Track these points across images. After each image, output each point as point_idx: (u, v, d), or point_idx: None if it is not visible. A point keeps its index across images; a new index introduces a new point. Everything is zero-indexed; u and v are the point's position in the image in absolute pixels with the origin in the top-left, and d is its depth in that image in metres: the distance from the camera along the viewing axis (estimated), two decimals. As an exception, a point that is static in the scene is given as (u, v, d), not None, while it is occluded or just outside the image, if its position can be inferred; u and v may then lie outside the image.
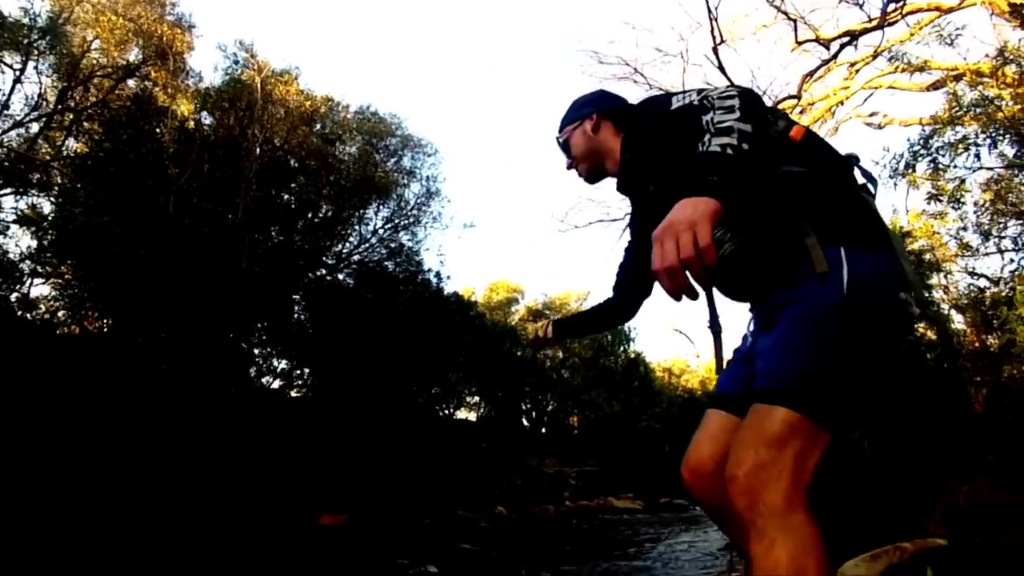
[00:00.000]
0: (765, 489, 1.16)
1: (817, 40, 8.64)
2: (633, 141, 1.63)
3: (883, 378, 1.35)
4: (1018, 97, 7.23)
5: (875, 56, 9.25)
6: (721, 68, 7.70)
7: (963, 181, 9.66)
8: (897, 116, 10.39)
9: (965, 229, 10.32)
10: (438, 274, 12.01)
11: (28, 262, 10.73)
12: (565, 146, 1.85)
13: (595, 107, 1.81)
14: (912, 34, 8.23)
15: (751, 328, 1.54)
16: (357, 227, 10.69)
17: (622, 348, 15.59)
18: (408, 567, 4.30)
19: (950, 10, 7.75)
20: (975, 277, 9.76)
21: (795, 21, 8.01)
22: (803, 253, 1.30)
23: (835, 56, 9.30)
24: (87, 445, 6.25)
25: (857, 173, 1.47)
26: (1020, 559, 2.39)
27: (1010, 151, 8.93)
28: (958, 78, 8.30)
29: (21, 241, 10.88)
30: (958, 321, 10.19)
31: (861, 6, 8.05)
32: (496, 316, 16.33)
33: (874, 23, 7.87)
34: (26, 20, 11.08)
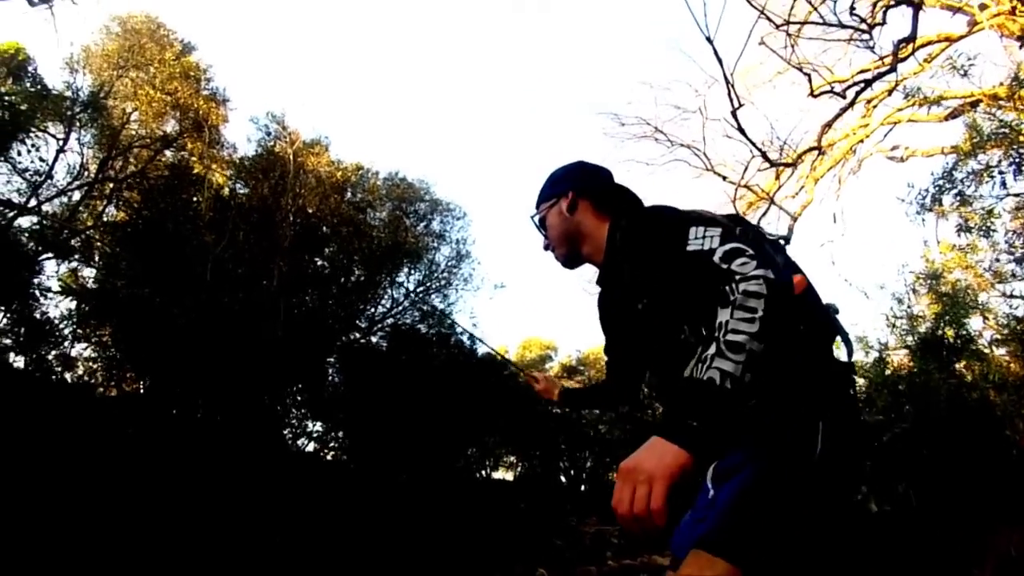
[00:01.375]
0: None
1: (832, 91, 8.66)
2: (634, 256, 1.46)
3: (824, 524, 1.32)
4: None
5: (890, 93, 9.23)
6: (741, 130, 7.72)
7: (991, 211, 9.49)
8: (919, 147, 10.31)
9: (998, 260, 10.08)
10: (471, 336, 12.07)
11: (68, 323, 10.98)
12: (541, 225, 1.69)
13: (572, 184, 1.65)
14: (923, 66, 8.22)
15: (709, 477, 1.36)
16: (389, 290, 10.85)
17: None
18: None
19: (960, 38, 7.72)
20: (1013, 307, 9.46)
21: (809, 75, 8.04)
22: (771, 423, 1.25)
23: (852, 103, 9.29)
24: (123, 505, 6.24)
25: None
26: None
27: None
28: (975, 105, 8.23)
29: (61, 304, 11.14)
30: (1001, 353, 9.88)
31: (872, 48, 8.07)
32: (531, 378, 16.06)
33: (887, 64, 7.87)
34: (69, 93, 11.57)
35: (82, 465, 7.11)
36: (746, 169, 9.65)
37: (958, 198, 9.82)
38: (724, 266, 1.22)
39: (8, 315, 10.58)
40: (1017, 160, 8.62)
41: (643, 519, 1.09)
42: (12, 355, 10.49)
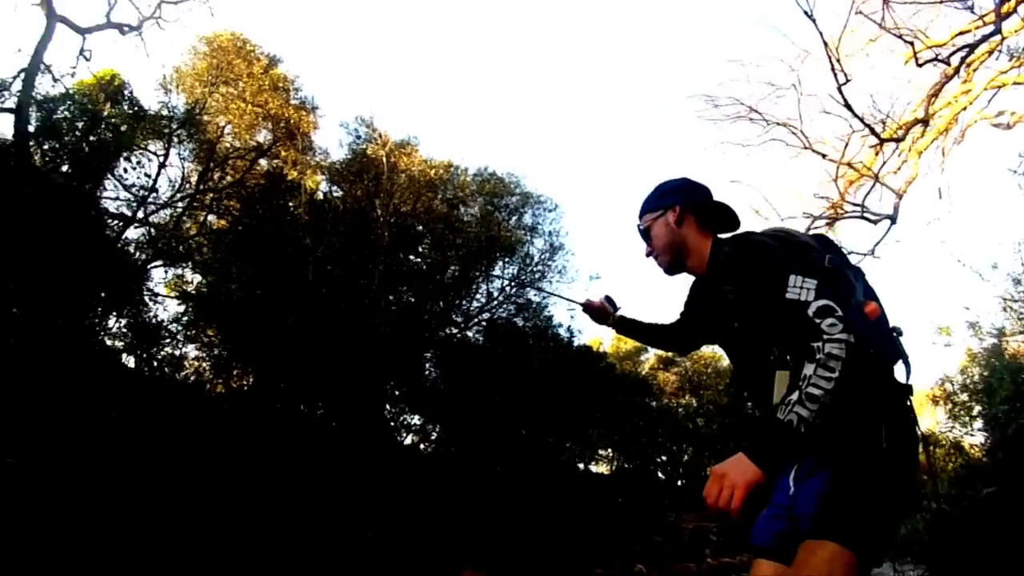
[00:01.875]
0: None
1: (937, 59, 8.17)
2: (735, 284, 1.67)
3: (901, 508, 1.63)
4: None
5: (991, 54, 8.62)
6: (848, 106, 7.41)
7: None
8: None
9: None
10: (569, 328, 12.11)
11: (176, 325, 11.63)
12: (646, 234, 1.84)
13: (679, 198, 1.80)
14: None
15: (791, 477, 1.63)
16: (484, 285, 11.03)
17: None
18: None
19: None
20: None
21: (911, 42, 7.60)
22: (843, 432, 1.49)
23: (957, 70, 8.75)
24: (231, 494, 6.54)
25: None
26: None
27: None
28: None
29: (170, 307, 11.79)
30: None
31: (971, 8, 7.56)
32: (626, 366, 15.98)
33: (987, 24, 7.34)
34: (165, 112, 12.24)
35: (194, 457, 7.51)
36: (847, 146, 9.25)
37: None
38: (816, 321, 1.46)
39: (120, 319, 11.30)
40: None
41: (724, 512, 1.42)
42: (125, 355, 11.16)
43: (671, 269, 1.86)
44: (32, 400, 5.52)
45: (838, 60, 7.38)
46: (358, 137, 11.15)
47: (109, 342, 10.95)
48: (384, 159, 9.95)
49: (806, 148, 9.12)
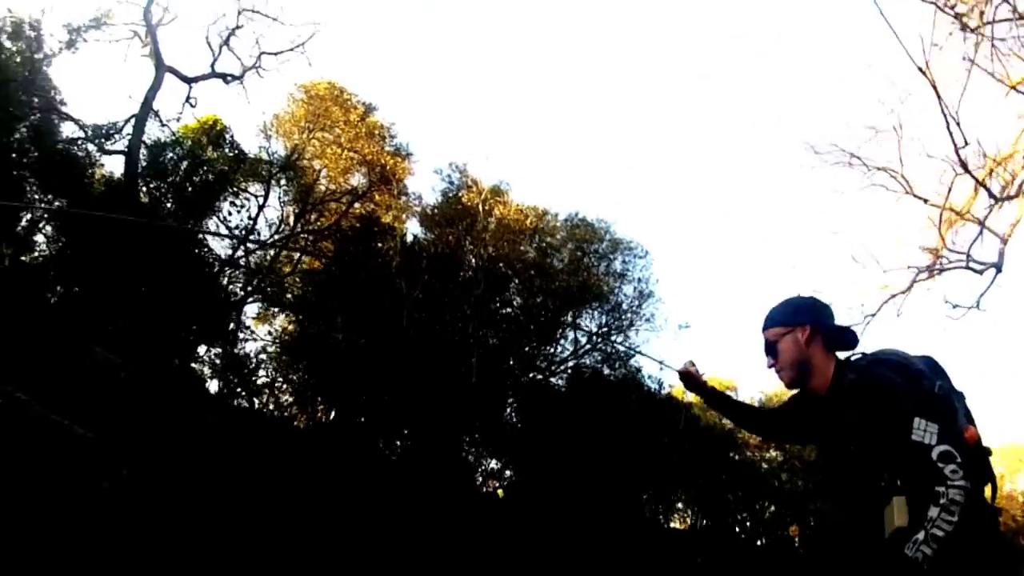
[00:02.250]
0: None
1: None
2: (859, 416, 1.72)
3: None
4: None
5: None
6: (967, 170, 7.23)
7: None
8: None
9: None
10: (659, 381, 12.03)
11: (264, 357, 12.15)
12: (772, 347, 1.87)
13: (811, 318, 1.84)
14: None
15: None
16: (572, 332, 11.05)
17: None
18: None
19: None
20: None
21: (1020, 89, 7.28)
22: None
23: None
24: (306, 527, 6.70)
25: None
26: None
27: None
28: None
29: (260, 341, 12.36)
30: None
31: None
32: (711, 417, 15.63)
33: None
34: (264, 156, 12.99)
35: (273, 486, 7.76)
36: (950, 191, 8.90)
37: None
38: (940, 466, 1.54)
39: (211, 351, 11.90)
40: None
41: None
42: (216, 385, 11.71)
43: (794, 384, 1.91)
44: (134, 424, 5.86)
45: (957, 123, 7.18)
46: (451, 183, 11.58)
47: (199, 368, 11.54)
48: (479, 206, 10.28)
49: (907, 193, 8.88)
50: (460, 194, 11.19)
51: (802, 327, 1.85)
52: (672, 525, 12.48)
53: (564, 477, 9.27)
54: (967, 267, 8.94)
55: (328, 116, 13.36)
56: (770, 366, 1.92)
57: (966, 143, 7.33)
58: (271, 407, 12.38)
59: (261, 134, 13.39)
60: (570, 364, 10.55)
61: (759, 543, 12.80)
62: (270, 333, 12.97)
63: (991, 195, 7.70)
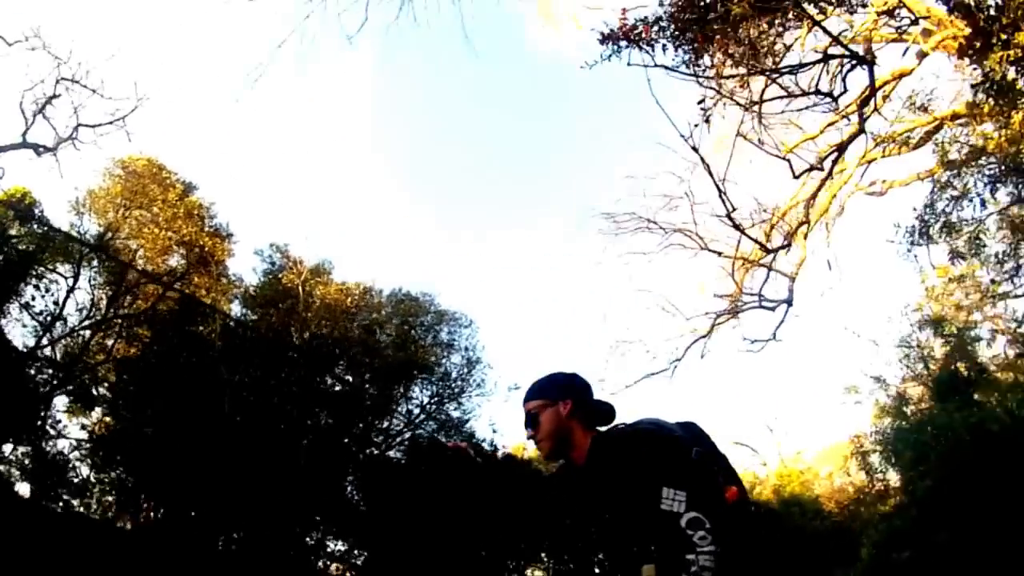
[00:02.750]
0: None
1: (812, 167, 9.11)
2: (612, 483, 1.80)
3: None
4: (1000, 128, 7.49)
5: (856, 136, 9.60)
6: (739, 228, 8.38)
7: (977, 236, 9.54)
8: (895, 178, 9.94)
9: (993, 281, 10.02)
10: (492, 443, 12.28)
11: (79, 455, 11.12)
12: (533, 419, 1.93)
13: (572, 395, 1.93)
14: (883, 103, 8.63)
15: None
16: (404, 405, 11.17)
17: None
18: None
19: (912, 71, 7.84)
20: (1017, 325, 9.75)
21: (788, 159, 8.56)
22: None
23: (830, 173, 9.60)
24: None
25: None
26: None
27: (1015, 190, 8.91)
28: (939, 128, 8.39)
29: (71, 436, 11.38)
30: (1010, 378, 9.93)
31: (836, 110, 8.59)
32: (552, 469, 15.88)
33: (854, 127, 8.36)
34: (76, 234, 12.13)
35: None
36: (739, 244, 10.06)
37: (945, 229, 10.12)
38: (688, 533, 1.62)
39: (19, 450, 10.71)
40: (992, 178, 9.09)
41: None
42: (23, 486, 10.57)
43: (552, 455, 1.96)
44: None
45: (724, 192, 8.33)
46: (272, 264, 11.36)
47: (5, 469, 10.30)
48: (300, 287, 10.27)
49: (703, 249, 10.09)
50: (281, 275, 11.10)
51: (564, 402, 1.91)
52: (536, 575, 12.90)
53: (415, 549, 9.29)
54: (760, 306, 10.27)
55: (146, 194, 12.72)
56: (530, 437, 1.95)
57: (734, 208, 8.51)
58: (92, 509, 11.32)
59: (73, 211, 12.46)
60: (406, 436, 10.70)
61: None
62: (84, 427, 11.92)
63: (764, 248, 9.03)
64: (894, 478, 10.89)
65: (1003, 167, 8.89)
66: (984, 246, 9.59)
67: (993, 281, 10.01)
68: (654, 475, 1.70)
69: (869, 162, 9.66)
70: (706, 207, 10.75)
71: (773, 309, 10.67)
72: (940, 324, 10.46)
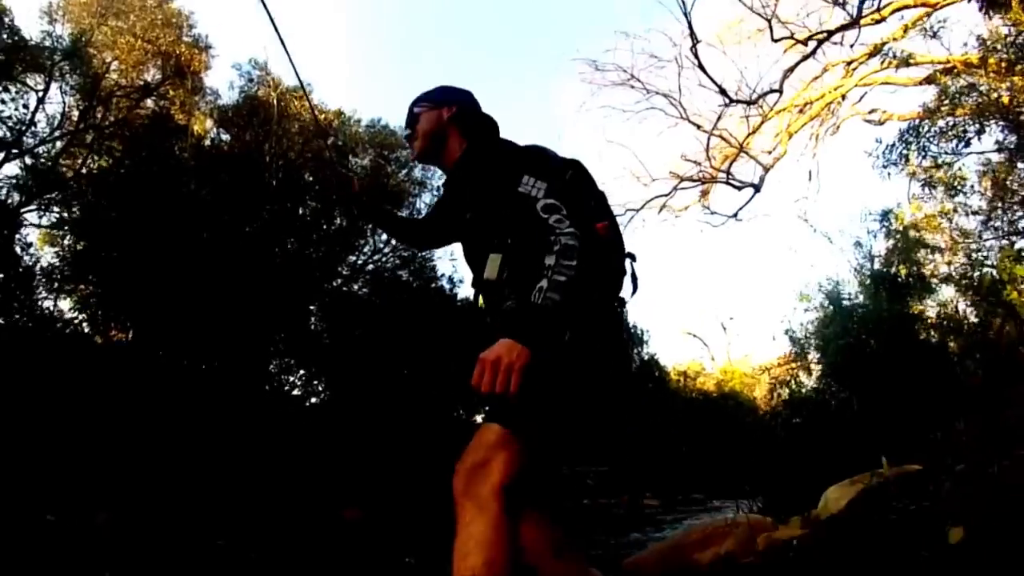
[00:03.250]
0: (476, 482, 1.50)
1: (792, 37, 8.80)
2: (476, 177, 1.81)
3: (602, 392, 1.71)
4: (1007, 85, 7.37)
5: (871, 56, 9.37)
6: (701, 67, 7.92)
7: (950, 165, 9.81)
8: (896, 111, 10.49)
9: (966, 216, 10.15)
10: (451, 279, 12.20)
11: (51, 276, 10.98)
12: (413, 118, 1.96)
13: (458, 103, 1.95)
14: (906, 29, 8.40)
15: None
16: (370, 238, 10.94)
17: (636, 351, 15.79)
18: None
19: (936, 6, 7.87)
20: (976, 265, 9.84)
21: (769, 20, 8.16)
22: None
23: (813, 53, 9.48)
24: (117, 446, 6.44)
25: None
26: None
27: (1001, 136, 8.90)
28: (950, 71, 8.33)
29: (44, 256, 11.14)
30: (952, 295, 10.35)
31: (843, 5, 8.18)
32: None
33: (850, 21, 8.03)
34: (48, 43, 11.36)
35: (74, 408, 7.28)
36: (719, 118, 9.77)
37: (922, 153, 10.10)
38: (543, 216, 1.58)
39: None
40: (982, 123, 8.88)
41: (497, 395, 1.48)
42: None
43: (422, 157, 1.99)
44: None
45: (689, 24, 7.74)
46: (251, 80, 10.83)
47: None
48: (275, 102, 9.67)
49: (683, 118, 9.62)
50: (259, 91, 10.46)
51: (448, 107, 1.93)
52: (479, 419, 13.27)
53: (372, 380, 9.39)
54: (728, 182, 9.94)
55: (122, 1, 11.82)
56: (406, 136, 2.00)
57: (698, 40, 7.89)
58: (63, 327, 11.25)
59: (45, 16, 11.65)
60: (369, 269, 10.54)
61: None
62: (54, 246, 11.69)
63: (724, 94, 8.54)
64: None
65: (1001, 122, 8.45)
66: (960, 189, 9.59)
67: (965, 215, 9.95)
68: (517, 165, 1.69)
69: (870, 85, 9.64)
70: (694, 77, 10.06)
71: (739, 189, 10.49)
72: (888, 217, 10.37)
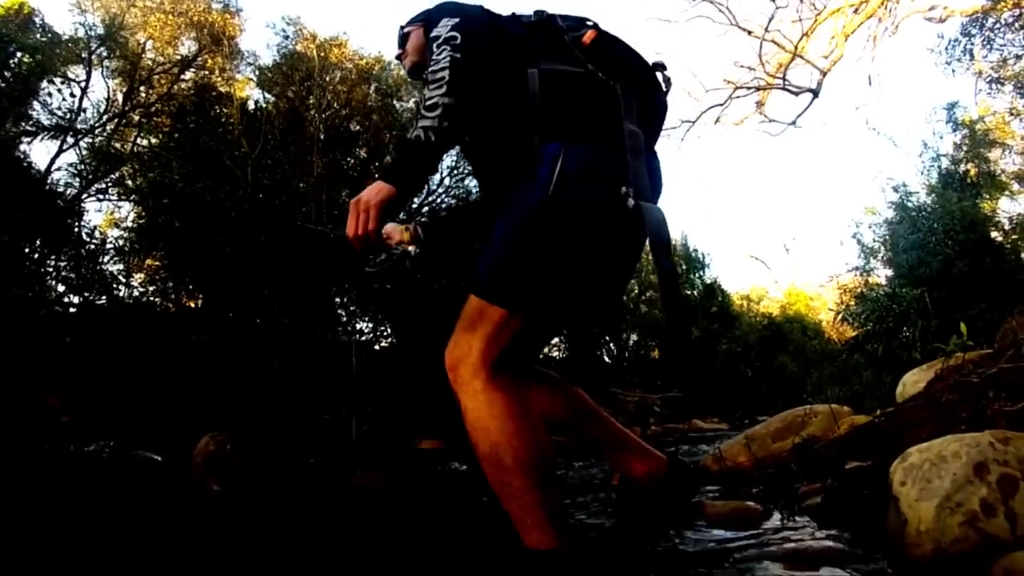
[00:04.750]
0: (459, 362, 1.45)
1: None
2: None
3: (588, 268, 1.54)
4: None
5: None
6: None
7: (1020, 58, 9.29)
8: (959, 7, 9.87)
9: None
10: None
11: (118, 257, 11.38)
12: (403, 38, 1.92)
13: (449, 16, 1.78)
14: None
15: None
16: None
17: (698, 276, 15.59)
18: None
19: None
20: None
21: None
22: (526, 156, 1.48)
23: None
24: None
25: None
26: None
27: None
28: None
29: (109, 237, 11.55)
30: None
31: None
32: None
33: None
34: (82, 33, 11.57)
35: (156, 369, 7.59)
36: (770, 20, 9.39)
37: (988, 46, 9.54)
38: (433, 50, 1.51)
39: (58, 259, 10.98)
40: None
41: (363, 238, 1.46)
42: (71, 296, 10.92)
43: (414, 71, 1.95)
44: None
45: None
46: (286, 37, 10.84)
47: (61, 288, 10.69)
48: (315, 54, 9.69)
49: (732, 25, 9.26)
50: (298, 46, 10.49)
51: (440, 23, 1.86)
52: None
53: (438, 324, 9.45)
54: (784, 88, 9.57)
55: (149, -21, 11.93)
56: (398, 57, 2.00)
57: None
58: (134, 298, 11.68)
59: (75, 8, 11.87)
60: (424, 211, 10.57)
61: (624, 364, 14.08)
62: (117, 225, 12.07)
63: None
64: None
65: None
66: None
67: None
68: (438, 16, 1.62)
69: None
70: None
71: (797, 94, 10.08)
72: (954, 108, 9.83)
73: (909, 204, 9.64)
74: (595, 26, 1.71)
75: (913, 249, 8.59)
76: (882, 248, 10.38)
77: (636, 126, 1.55)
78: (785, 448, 3.47)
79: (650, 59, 1.77)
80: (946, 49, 10.09)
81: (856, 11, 9.93)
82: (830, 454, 2.69)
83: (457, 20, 1.55)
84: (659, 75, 1.73)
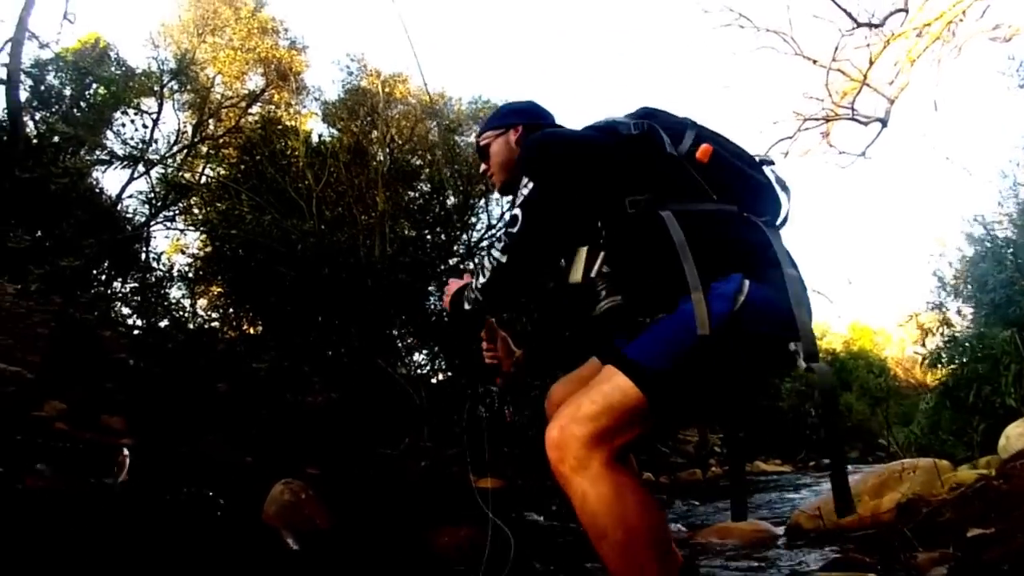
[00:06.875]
0: (577, 443, 1.34)
1: None
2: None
3: (735, 393, 1.55)
4: None
5: None
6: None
7: None
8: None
9: None
10: None
11: (182, 283, 11.72)
12: (483, 151, 1.84)
13: (522, 119, 1.79)
14: None
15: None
16: (483, 214, 10.96)
17: None
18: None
19: None
20: None
21: None
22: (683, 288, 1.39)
23: None
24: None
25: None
26: None
27: None
28: None
29: (176, 264, 11.91)
30: None
31: None
32: None
33: None
34: (155, 67, 12.08)
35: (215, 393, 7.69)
36: (836, 50, 9.16)
37: None
38: (509, 231, 1.58)
39: (124, 283, 11.36)
40: None
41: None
42: (135, 319, 11.25)
43: (504, 189, 1.84)
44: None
45: None
46: (350, 73, 11.10)
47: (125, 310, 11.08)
48: (379, 89, 9.90)
49: (797, 55, 9.05)
50: (360, 82, 10.75)
51: (514, 128, 1.80)
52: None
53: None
54: (852, 119, 9.29)
55: (218, 17, 12.48)
56: (483, 171, 1.90)
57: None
58: (197, 324, 11.99)
59: (149, 44, 12.48)
60: (483, 245, 10.57)
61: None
62: (183, 252, 12.43)
63: (851, 18, 7.94)
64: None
65: None
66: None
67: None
68: (524, 167, 1.60)
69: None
70: (805, 9, 9.41)
71: (866, 124, 9.75)
72: None
73: (992, 237, 9.19)
74: (702, 133, 1.60)
75: (1001, 288, 8.14)
76: (962, 284, 9.89)
77: (792, 268, 1.47)
78: (884, 506, 3.35)
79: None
80: (1017, 71, 9.65)
81: (919, 34, 9.61)
82: (945, 518, 2.63)
83: (532, 185, 1.51)
84: (769, 172, 1.61)
